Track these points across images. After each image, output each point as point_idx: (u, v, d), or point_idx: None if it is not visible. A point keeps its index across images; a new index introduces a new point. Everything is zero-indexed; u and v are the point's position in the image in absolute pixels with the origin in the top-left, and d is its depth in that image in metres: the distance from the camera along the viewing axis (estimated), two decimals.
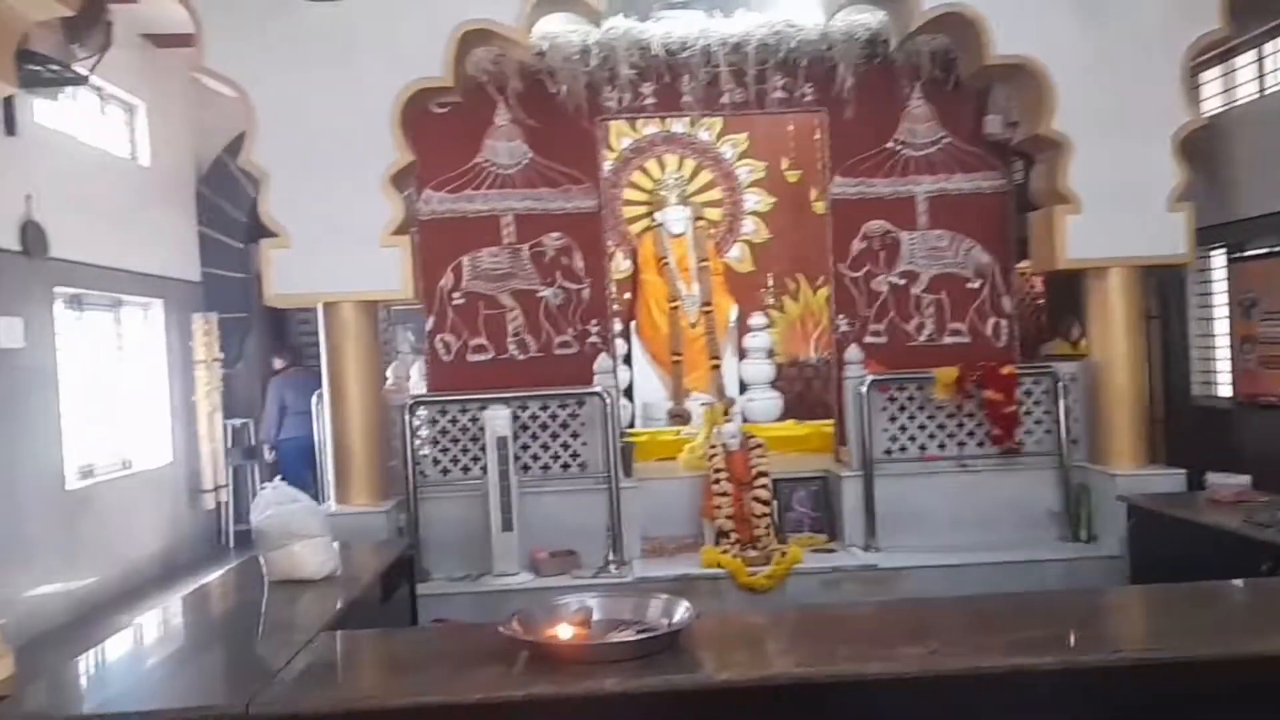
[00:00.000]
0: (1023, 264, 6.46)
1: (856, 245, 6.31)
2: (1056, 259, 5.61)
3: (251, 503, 4.20)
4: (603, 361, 5.92)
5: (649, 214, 8.38)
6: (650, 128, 8.33)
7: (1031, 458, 5.84)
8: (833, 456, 6.36)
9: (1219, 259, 6.48)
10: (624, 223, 8.43)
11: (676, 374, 8.10)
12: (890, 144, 6.29)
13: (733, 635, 3.03)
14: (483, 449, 5.48)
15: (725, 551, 5.56)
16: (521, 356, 6.20)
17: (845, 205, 6.33)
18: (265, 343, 9.66)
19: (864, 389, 5.78)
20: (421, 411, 5.73)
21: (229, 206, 9.32)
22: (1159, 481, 5.49)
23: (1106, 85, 5.45)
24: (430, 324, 6.21)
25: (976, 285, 6.30)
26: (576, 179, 6.26)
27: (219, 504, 9.20)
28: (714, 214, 8.57)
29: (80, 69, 6.63)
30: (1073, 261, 5.61)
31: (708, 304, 8.16)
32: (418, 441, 5.65)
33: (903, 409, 5.91)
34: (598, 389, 5.72)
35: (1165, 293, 6.86)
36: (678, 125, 8.37)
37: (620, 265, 8.22)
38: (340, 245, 5.23)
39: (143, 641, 3.42)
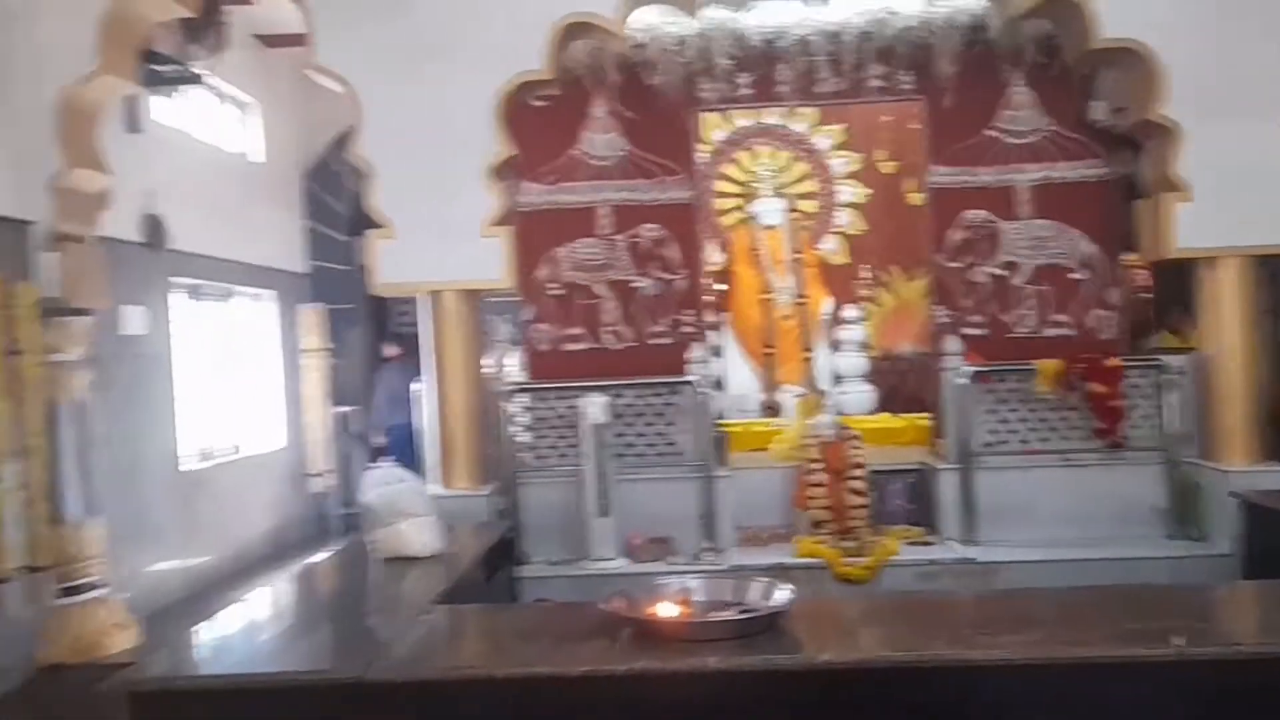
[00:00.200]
0: (1129, 255, 6.29)
1: (956, 235, 6.23)
2: (1166, 248, 5.44)
3: (357, 487, 4.35)
4: (696, 351, 5.95)
5: (742, 206, 8.38)
6: (743, 120, 8.33)
7: (1137, 453, 5.67)
8: (928, 450, 6.29)
9: None
10: (716, 215, 8.44)
11: (769, 366, 8.07)
12: (991, 132, 6.18)
13: (832, 619, 3.05)
14: (578, 436, 5.58)
15: (820, 542, 5.56)
16: (616, 346, 6.26)
17: (944, 195, 6.24)
18: (369, 333, 9.96)
19: (964, 381, 5.71)
20: (521, 399, 5.86)
21: (333, 201, 9.63)
22: (1274, 478, 5.28)
23: (1220, 67, 5.25)
24: (528, 314, 6.33)
25: (1081, 276, 6.16)
26: (671, 170, 6.30)
27: (326, 488, 9.52)
28: (808, 206, 8.52)
29: (197, 68, 6.93)
30: (1184, 250, 5.43)
31: (801, 296, 8.13)
32: (516, 428, 5.76)
33: (1003, 401, 5.79)
34: (691, 378, 5.76)
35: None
36: (771, 117, 8.34)
37: (713, 257, 8.23)
38: (443, 236, 5.36)
39: (259, 614, 3.56)
